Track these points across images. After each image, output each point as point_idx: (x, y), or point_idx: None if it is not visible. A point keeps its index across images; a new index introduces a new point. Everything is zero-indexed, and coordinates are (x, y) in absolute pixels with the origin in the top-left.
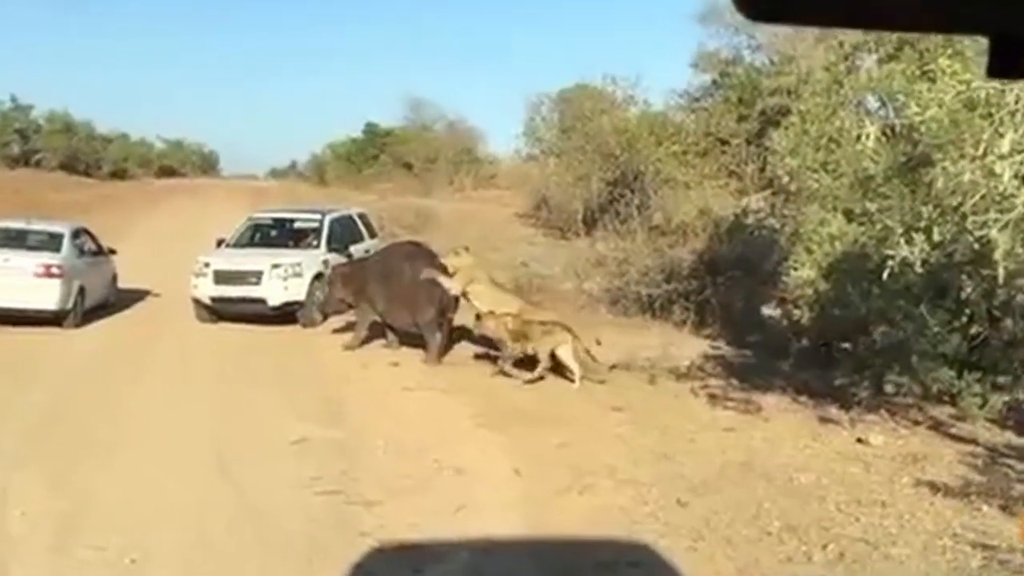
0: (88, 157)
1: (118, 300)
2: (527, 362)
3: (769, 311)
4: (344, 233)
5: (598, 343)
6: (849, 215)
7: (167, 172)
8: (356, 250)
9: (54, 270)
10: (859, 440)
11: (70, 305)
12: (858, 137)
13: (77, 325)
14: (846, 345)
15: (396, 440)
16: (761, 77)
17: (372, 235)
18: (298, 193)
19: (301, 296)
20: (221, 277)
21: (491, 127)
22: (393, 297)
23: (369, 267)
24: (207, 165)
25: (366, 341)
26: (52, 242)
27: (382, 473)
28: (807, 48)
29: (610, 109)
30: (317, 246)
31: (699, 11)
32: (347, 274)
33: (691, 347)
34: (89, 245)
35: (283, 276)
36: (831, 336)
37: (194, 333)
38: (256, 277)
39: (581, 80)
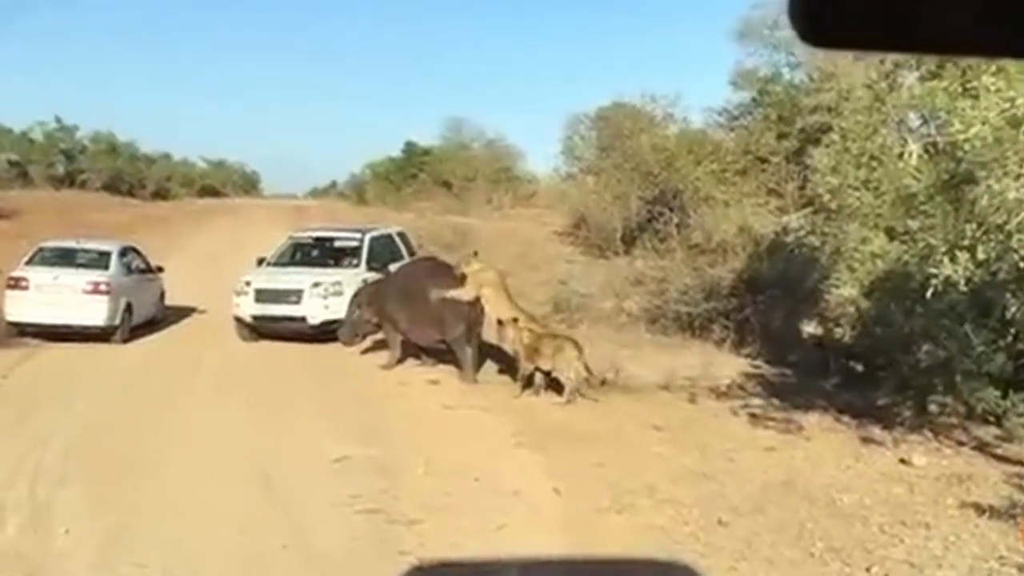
0: (131, 177)
1: (165, 317)
2: (556, 383)
3: (810, 329)
4: (384, 252)
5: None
6: (891, 233)
7: (209, 192)
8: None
9: (102, 287)
10: (902, 460)
11: (117, 321)
12: (900, 155)
13: (124, 341)
14: (888, 364)
15: (436, 458)
16: (800, 95)
17: (411, 253)
18: (337, 212)
19: (341, 314)
20: (262, 296)
21: (530, 146)
22: (416, 315)
23: (388, 286)
24: (248, 185)
25: (402, 360)
26: (100, 260)
27: (422, 491)
28: (847, 65)
29: (648, 127)
30: (357, 265)
31: (737, 29)
32: (372, 294)
33: (731, 366)
34: (137, 263)
35: (323, 295)
36: (873, 355)
37: (236, 351)
38: (296, 296)
39: (619, 98)
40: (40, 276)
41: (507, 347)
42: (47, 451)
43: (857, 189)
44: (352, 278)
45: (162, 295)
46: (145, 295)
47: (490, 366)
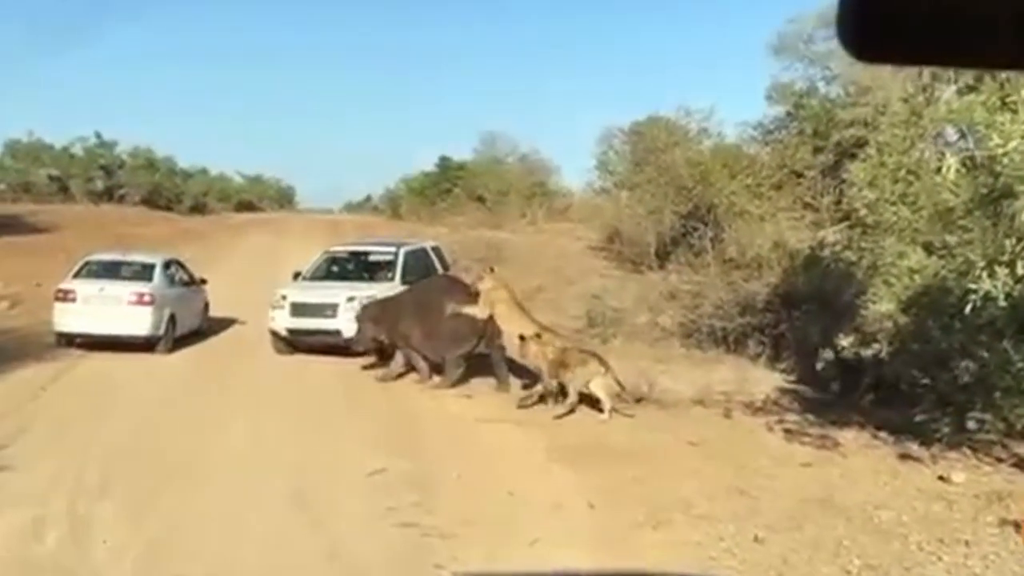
0: (169, 192)
1: (208, 328)
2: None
3: (846, 344)
4: (418, 266)
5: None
6: (929, 248)
7: (245, 206)
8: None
9: (145, 298)
10: (941, 477)
11: (161, 331)
12: (938, 169)
13: (168, 351)
14: (926, 380)
15: (470, 472)
16: (836, 108)
17: (445, 267)
18: (372, 226)
19: None
20: (298, 309)
21: (563, 160)
22: (432, 331)
23: (401, 303)
24: (284, 199)
25: (403, 375)
26: (144, 272)
27: (457, 505)
28: (883, 79)
29: (683, 142)
30: (392, 279)
31: (773, 43)
32: (377, 312)
33: (766, 381)
34: (180, 275)
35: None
36: (911, 371)
37: (272, 363)
38: (332, 310)
39: (654, 113)
40: (86, 288)
41: (528, 363)
42: (86, 464)
43: (894, 203)
44: (387, 292)
45: (206, 306)
46: (188, 306)
47: (515, 381)
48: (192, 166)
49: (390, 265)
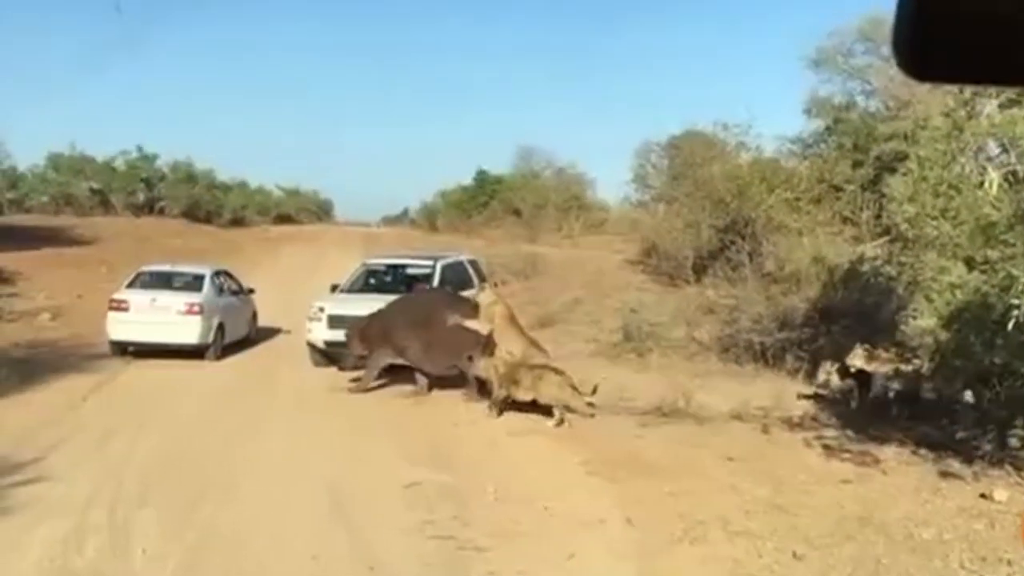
0: (209, 205)
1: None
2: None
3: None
4: (455, 279)
5: (594, 392)
6: (970, 263)
7: (284, 219)
8: (466, 296)
9: (195, 308)
10: (983, 495)
11: (210, 340)
12: (980, 183)
13: (217, 358)
14: (968, 396)
15: (505, 486)
16: (876, 122)
17: (482, 280)
18: (408, 239)
19: None
20: (335, 322)
21: (600, 174)
22: (431, 344)
23: (395, 316)
24: (322, 212)
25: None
26: (195, 283)
27: (492, 519)
28: (924, 93)
29: (721, 155)
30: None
31: (811, 57)
32: (364, 329)
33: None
34: (229, 285)
35: None
36: (952, 387)
37: (311, 374)
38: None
39: (691, 126)
40: (139, 298)
41: (481, 374)
42: (125, 473)
43: (935, 218)
44: None
45: (254, 315)
46: (237, 315)
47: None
48: (231, 179)
49: (427, 278)
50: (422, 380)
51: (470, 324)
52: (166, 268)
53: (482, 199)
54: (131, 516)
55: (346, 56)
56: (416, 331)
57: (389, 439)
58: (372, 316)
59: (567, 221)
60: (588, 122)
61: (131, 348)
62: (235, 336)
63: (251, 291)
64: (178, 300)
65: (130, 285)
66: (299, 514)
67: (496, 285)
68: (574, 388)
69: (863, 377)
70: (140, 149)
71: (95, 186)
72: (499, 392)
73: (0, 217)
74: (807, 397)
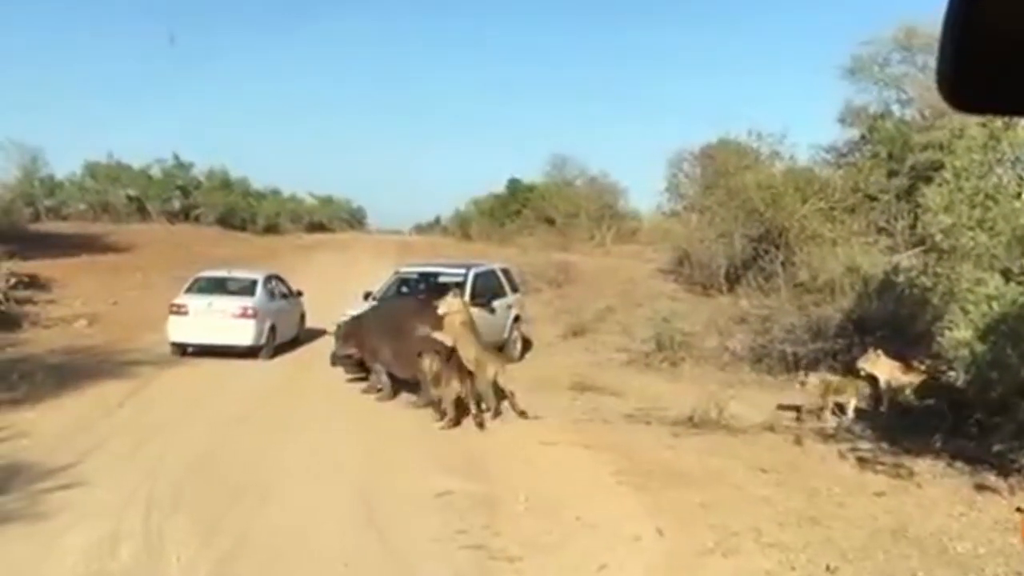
0: (243, 212)
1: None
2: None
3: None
4: (487, 287)
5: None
6: (1007, 274)
7: (317, 227)
8: (498, 304)
9: (249, 312)
10: (1019, 509)
11: (263, 341)
12: (1017, 194)
13: (269, 357)
14: (1004, 409)
15: (536, 495)
16: (912, 132)
17: (515, 289)
18: (439, 247)
19: None
20: None
21: (633, 182)
22: (401, 351)
23: (374, 321)
24: (354, 220)
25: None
26: (248, 287)
27: (523, 528)
28: None
29: (754, 165)
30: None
31: (846, 66)
32: (349, 331)
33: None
34: (280, 289)
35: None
36: (988, 399)
37: (342, 379)
38: None
39: (724, 136)
40: (197, 302)
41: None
42: (159, 479)
43: (971, 229)
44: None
45: (302, 317)
46: (287, 317)
47: (574, 405)
48: (265, 187)
49: (460, 287)
50: (385, 381)
51: (437, 335)
52: (221, 274)
53: (514, 207)
54: (165, 522)
55: (379, 67)
56: (387, 337)
57: (419, 446)
58: (354, 319)
59: (599, 230)
60: (621, 131)
61: (190, 349)
62: (285, 337)
63: (300, 294)
64: (233, 304)
65: (188, 290)
66: (331, 521)
67: (455, 294)
68: (499, 390)
69: (872, 381)
70: (176, 157)
71: (132, 194)
72: (434, 391)
73: (38, 225)
74: (786, 408)
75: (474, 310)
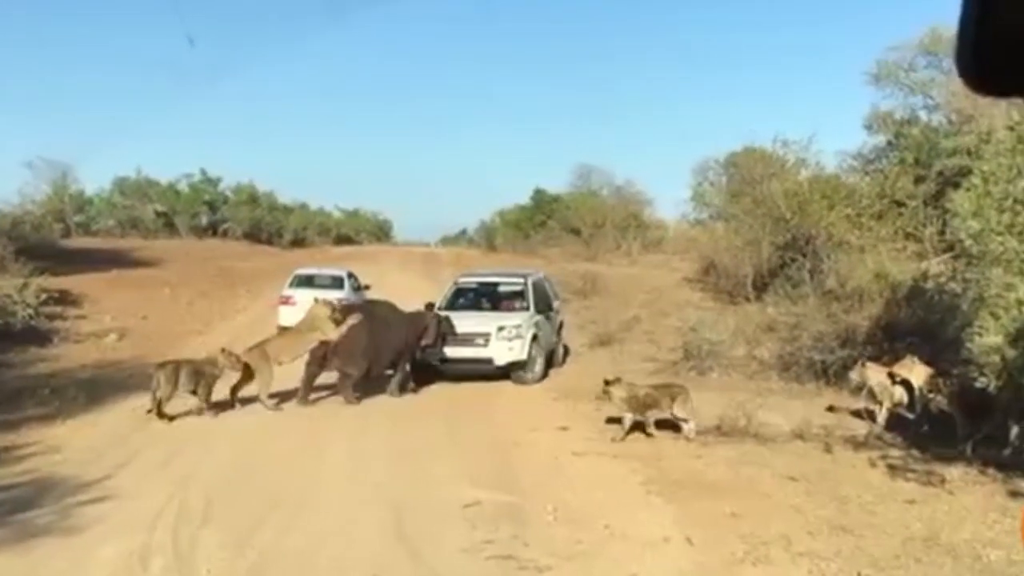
0: (270, 226)
1: None
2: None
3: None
4: (542, 295)
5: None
6: None
7: (344, 240)
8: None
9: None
10: None
11: None
12: None
13: None
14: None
15: (566, 505)
16: (939, 137)
17: (557, 297)
18: (465, 259)
19: (523, 356)
20: (448, 340)
21: (658, 192)
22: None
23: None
24: (381, 232)
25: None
26: (336, 281)
27: (553, 538)
28: (987, 107)
29: (780, 172)
30: (527, 308)
31: (872, 72)
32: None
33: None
34: (356, 283)
35: (508, 338)
36: (1020, 405)
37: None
38: (484, 339)
39: (749, 143)
40: (301, 295)
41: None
42: (189, 492)
43: (1000, 234)
44: (527, 320)
45: None
46: None
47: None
48: (293, 201)
49: (519, 295)
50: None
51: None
52: (313, 271)
53: (540, 218)
54: (195, 535)
55: (403, 78)
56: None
57: (448, 457)
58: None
59: (625, 240)
60: (646, 140)
61: None
62: None
63: (368, 287)
64: (332, 296)
65: (291, 285)
66: (360, 533)
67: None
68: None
69: (906, 387)
70: (203, 172)
71: (160, 209)
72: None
73: (68, 241)
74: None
75: (538, 317)
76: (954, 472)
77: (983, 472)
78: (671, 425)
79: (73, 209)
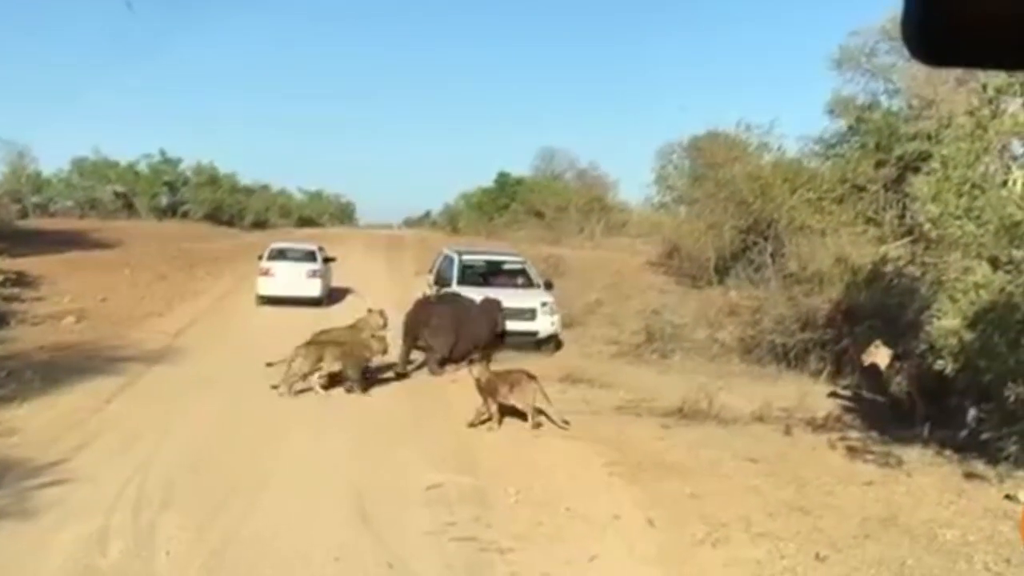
0: (231, 208)
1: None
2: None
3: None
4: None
5: None
6: (995, 263)
7: (306, 222)
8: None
9: (316, 273)
10: (1007, 496)
11: (324, 294)
12: (1004, 183)
13: (328, 306)
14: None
15: (528, 487)
16: (899, 122)
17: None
18: (430, 241)
19: (559, 329)
20: None
21: (622, 175)
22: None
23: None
24: (344, 215)
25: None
26: (309, 255)
27: (514, 520)
28: (947, 92)
29: (743, 156)
30: (538, 285)
31: (834, 57)
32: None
33: (827, 398)
34: (324, 255)
35: (549, 312)
36: (977, 388)
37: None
38: (531, 314)
39: (713, 128)
40: (280, 266)
41: None
42: (148, 475)
43: (959, 218)
44: (550, 297)
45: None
46: (329, 277)
47: (575, 396)
48: (254, 183)
49: (522, 272)
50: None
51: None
52: (288, 245)
53: (503, 201)
54: (155, 518)
55: (367, 60)
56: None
57: (411, 440)
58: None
59: (589, 223)
60: (610, 124)
61: (273, 300)
62: (327, 291)
63: (333, 259)
64: (306, 267)
65: (269, 258)
66: (322, 516)
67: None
68: None
69: (873, 371)
70: (163, 153)
71: (119, 190)
72: None
73: (25, 221)
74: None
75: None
76: (912, 454)
77: (940, 454)
78: (631, 407)
79: (30, 190)
